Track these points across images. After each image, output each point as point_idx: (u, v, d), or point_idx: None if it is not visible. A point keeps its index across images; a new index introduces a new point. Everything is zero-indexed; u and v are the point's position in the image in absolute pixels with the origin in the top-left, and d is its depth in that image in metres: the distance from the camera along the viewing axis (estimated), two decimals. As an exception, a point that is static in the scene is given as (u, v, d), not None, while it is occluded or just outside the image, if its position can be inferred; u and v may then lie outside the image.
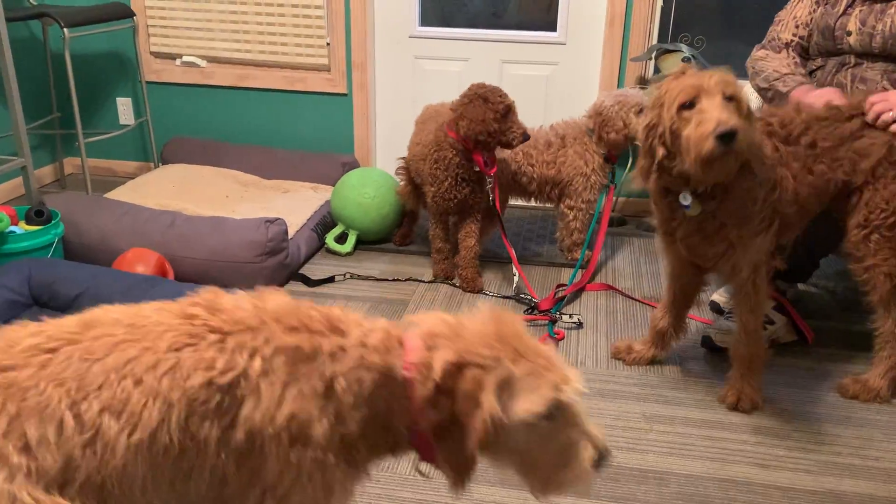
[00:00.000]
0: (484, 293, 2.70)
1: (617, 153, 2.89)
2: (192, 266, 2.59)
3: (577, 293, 2.71)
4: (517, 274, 2.68)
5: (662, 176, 1.85)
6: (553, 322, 2.49)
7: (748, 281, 1.95)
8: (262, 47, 3.55)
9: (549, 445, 1.06)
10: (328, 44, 3.48)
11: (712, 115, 1.67)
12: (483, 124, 2.51)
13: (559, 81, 3.46)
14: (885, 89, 2.18)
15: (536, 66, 3.47)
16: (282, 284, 2.71)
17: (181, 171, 3.42)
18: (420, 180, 2.86)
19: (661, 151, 1.79)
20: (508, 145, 2.60)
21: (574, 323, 2.50)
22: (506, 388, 1.02)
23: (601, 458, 1.08)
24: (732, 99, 1.72)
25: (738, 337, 2.04)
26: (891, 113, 1.95)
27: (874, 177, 1.96)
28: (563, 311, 2.57)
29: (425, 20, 3.53)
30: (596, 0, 3.28)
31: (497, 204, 2.69)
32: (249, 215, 2.84)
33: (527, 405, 1.01)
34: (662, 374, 2.23)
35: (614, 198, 3.10)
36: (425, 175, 2.73)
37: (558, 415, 1.04)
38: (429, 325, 1.08)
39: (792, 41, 2.40)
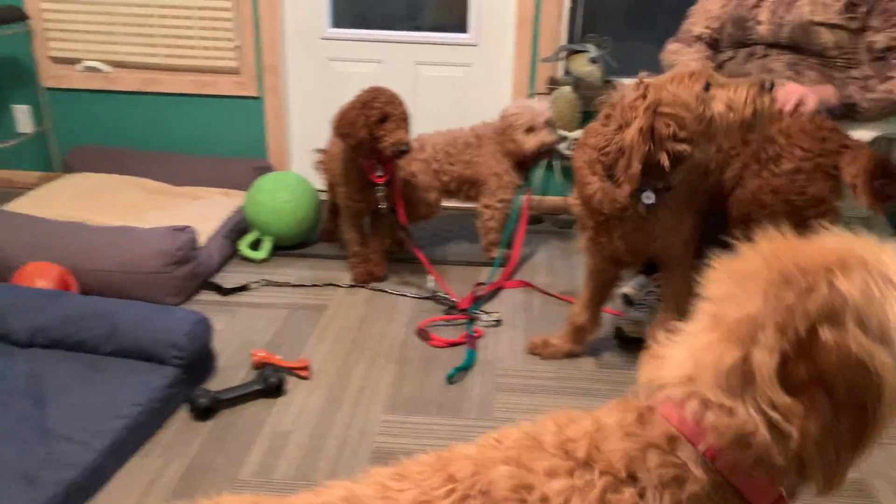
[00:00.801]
0: (405, 295, 2.69)
1: (530, 159, 2.93)
2: (98, 279, 2.49)
3: (495, 291, 2.74)
4: (432, 277, 2.69)
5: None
6: (472, 321, 2.51)
7: (681, 263, 2.02)
8: (169, 51, 3.45)
9: None
10: (237, 46, 3.41)
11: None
12: (352, 128, 2.50)
13: (473, 82, 3.48)
14: (789, 79, 2.28)
15: (450, 67, 3.48)
16: (193, 294, 2.63)
17: (86, 180, 3.28)
18: (334, 181, 2.84)
19: (665, 159, 1.81)
20: (383, 155, 2.55)
21: (493, 321, 2.52)
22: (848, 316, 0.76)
23: None
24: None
25: (664, 318, 2.11)
26: (786, 107, 2.05)
27: (742, 175, 2.05)
28: (482, 309, 2.59)
29: (337, 22, 3.50)
30: (505, 2, 3.32)
31: (400, 211, 2.68)
32: (158, 224, 2.75)
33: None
34: (578, 366, 2.27)
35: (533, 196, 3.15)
36: (337, 177, 2.71)
37: None
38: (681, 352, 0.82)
39: (703, 34, 2.49)
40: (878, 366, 0.74)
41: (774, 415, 0.74)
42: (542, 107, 2.89)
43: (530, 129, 2.84)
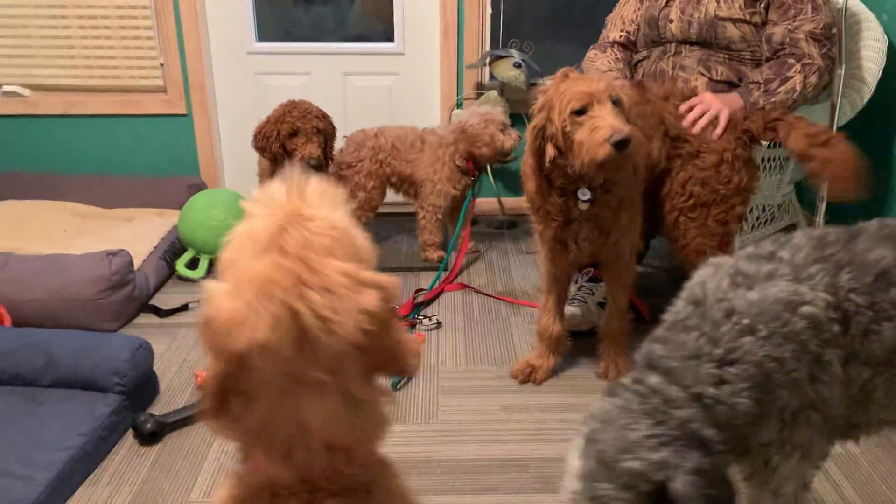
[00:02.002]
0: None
1: (482, 165, 3.03)
2: (31, 309, 2.45)
3: (435, 295, 2.79)
4: None
5: (557, 175, 1.96)
6: (413, 326, 2.56)
7: (627, 262, 2.13)
8: (91, 72, 3.40)
9: None
10: (162, 64, 3.38)
11: (606, 122, 1.79)
12: (266, 142, 2.56)
13: (401, 90, 3.53)
14: (700, 74, 2.40)
15: (378, 76, 3.52)
16: (132, 318, 2.61)
17: (11, 208, 3.20)
18: None
19: (551, 151, 1.90)
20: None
21: (434, 324, 2.58)
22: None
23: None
24: (618, 103, 1.86)
25: (610, 314, 2.22)
26: (704, 119, 2.16)
27: (668, 169, 2.16)
28: (422, 314, 2.65)
29: (262, 35, 3.50)
30: (429, 11, 3.38)
31: None
32: (90, 249, 2.71)
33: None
34: (518, 365, 2.34)
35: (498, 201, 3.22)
36: None
37: None
38: None
39: (619, 38, 2.62)
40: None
41: None
42: (498, 111, 3.00)
43: (504, 128, 2.93)
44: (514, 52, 3.22)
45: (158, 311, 2.64)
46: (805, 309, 1.10)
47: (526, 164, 2.03)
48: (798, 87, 2.26)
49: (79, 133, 3.50)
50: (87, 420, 1.88)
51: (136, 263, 2.70)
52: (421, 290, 2.79)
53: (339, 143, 3.08)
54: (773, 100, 2.27)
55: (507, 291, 2.83)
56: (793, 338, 1.10)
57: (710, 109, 2.18)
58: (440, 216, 3.03)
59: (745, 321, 1.11)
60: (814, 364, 1.11)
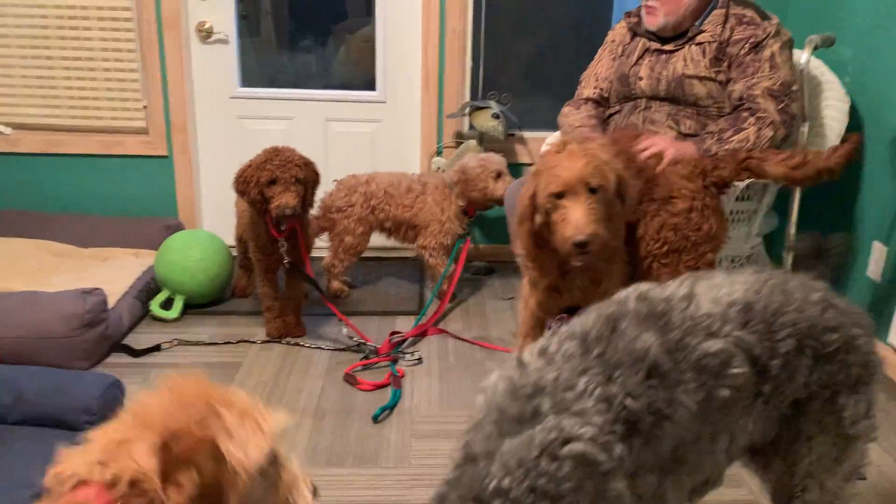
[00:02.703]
0: (320, 347, 2.73)
1: (477, 209, 3.12)
2: (4, 346, 2.41)
3: (410, 339, 2.80)
4: (345, 325, 2.74)
5: (549, 237, 2.02)
6: (395, 361, 2.59)
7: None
8: (74, 112, 3.42)
9: (275, 493, 1.03)
10: (145, 106, 3.42)
11: (573, 219, 1.89)
12: (246, 187, 2.58)
13: (383, 137, 3.60)
14: (670, 127, 2.49)
15: (360, 123, 3.59)
16: (104, 357, 2.59)
17: (-14, 244, 3.18)
18: (246, 237, 2.88)
19: (538, 220, 1.99)
20: (272, 215, 2.60)
21: (416, 360, 2.62)
22: (231, 439, 0.94)
23: (315, 492, 1.11)
24: (596, 190, 1.92)
25: None
26: (650, 150, 2.27)
27: (644, 212, 2.22)
28: (403, 350, 2.69)
29: (246, 81, 3.56)
30: (411, 60, 3.47)
31: (306, 260, 2.75)
32: (65, 287, 2.70)
33: (257, 451, 0.94)
34: (491, 410, 2.35)
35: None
36: (248, 231, 2.76)
37: (275, 459, 1.02)
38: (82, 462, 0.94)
39: (593, 94, 2.72)
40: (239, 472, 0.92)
41: None
42: (499, 158, 3.07)
43: (499, 176, 3.00)
44: (492, 103, 3.30)
45: (131, 351, 2.62)
46: (569, 449, 0.97)
47: (518, 222, 2.07)
48: (752, 138, 2.35)
49: (59, 172, 3.50)
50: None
51: (111, 302, 2.69)
52: (397, 332, 2.80)
53: (328, 187, 3.13)
54: (725, 147, 2.35)
55: (482, 336, 2.85)
56: (563, 482, 0.97)
57: (656, 145, 2.28)
58: (445, 254, 3.11)
59: (506, 482, 0.98)
60: (596, 499, 0.99)
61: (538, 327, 2.25)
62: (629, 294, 1.19)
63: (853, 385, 1.23)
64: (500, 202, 3.03)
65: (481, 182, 3.01)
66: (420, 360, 2.64)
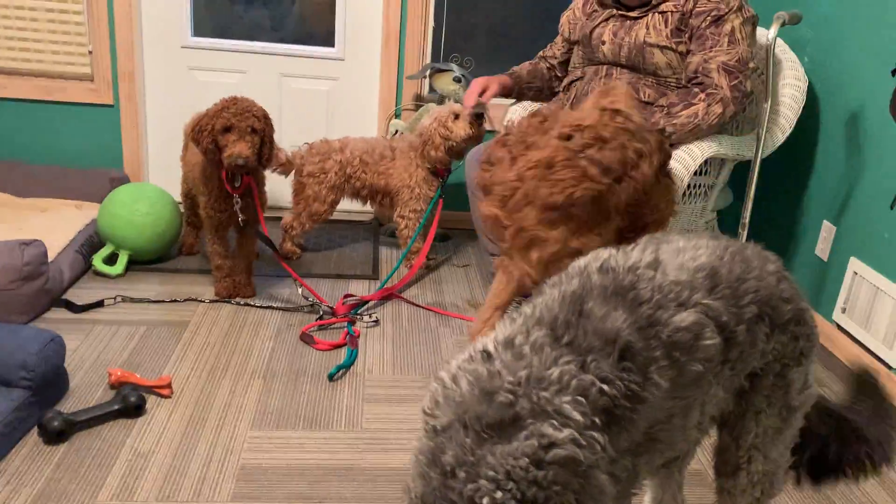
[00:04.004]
0: (271, 307, 2.67)
1: (446, 167, 3.03)
2: (-70, 297, 2.30)
3: (365, 302, 2.76)
4: (300, 285, 2.69)
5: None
6: (352, 323, 2.57)
7: None
8: (13, 54, 3.24)
9: None
10: (90, 52, 3.25)
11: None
12: (200, 136, 2.48)
13: (340, 96, 3.51)
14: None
15: (316, 80, 3.49)
16: (43, 311, 2.48)
17: (-86, 190, 3.01)
18: (194, 192, 2.78)
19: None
20: (225, 168, 2.52)
21: (373, 321, 2.61)
22: None
23: None
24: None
25: None
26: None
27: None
28: (360, 312, 2.67)
29: (198, 30, 3.41)
30: (372, 18, 3.38)
31: (262, 223, 2.68)
32: (3, 238, 2.57)
33: None
34: (445, 376, 2.34)
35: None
36: (197, 186, 2.65)
37: None
38: None
39: (543, 52, 2.87)
40: None
41: None
42: (455, 105, 3.01)
43: (456, 117, 2.93)
44: (454, 66, 3.24)
45: (72, 306, 2.52)
46: (553, 454, 0.95)
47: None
48: (700, 114, 2.36)
49: (-5, 116, 3.32)
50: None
51: (51, 255, 2.57)
52: (350, 294, 2.76)
53: (287, 145, 3.04)
54: (673, 122, 2.36)
55: (437, 303, 2.82)
56: (551, 486, 0.94)
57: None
58: (421, 220, 3.06)
59: (498, 496, 0.93)
60: (581, 493, 0.97)
61: (511, 301, 2.20)
62: (589, 264, 1.15)
63: (798, 357, 1.26)
64: (468, 141, 2.93)
65: (438, 136, 2.93)
66: (377, 321, 2.62)
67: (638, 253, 1.17)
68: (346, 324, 2.57)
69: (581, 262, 1.18)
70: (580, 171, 1.95)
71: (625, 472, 1.06)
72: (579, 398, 0.98)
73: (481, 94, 2.75)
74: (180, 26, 3.35)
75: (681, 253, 1.18)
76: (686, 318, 1.09)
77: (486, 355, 1.03)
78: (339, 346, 2.44)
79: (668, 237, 1.24)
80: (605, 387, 1.00)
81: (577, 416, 0.97)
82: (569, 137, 1.99)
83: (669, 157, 2.15)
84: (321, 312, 2.62)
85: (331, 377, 2.25)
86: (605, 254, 1.18)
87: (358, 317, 2.63)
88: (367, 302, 2.75)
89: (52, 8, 3.18)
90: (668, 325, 1.07)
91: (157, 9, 3.31)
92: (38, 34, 3.22)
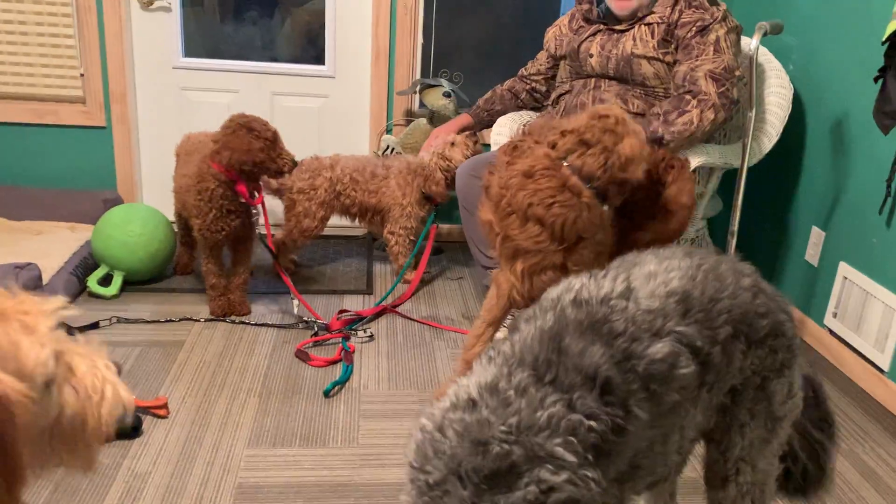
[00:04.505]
0: (265, 324, 2.68)
1: (443, 200, 3.09)
2: (-75, 322, 2.30)
3: (361, 318, 2.77)
4: (297, 301, 2.71)
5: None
6: (347, 338, 2.58)
7: None
8: (5, 78, 3.25)
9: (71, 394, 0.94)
10: (82, 74, 3.27)
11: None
12: (249, 154, 2.51)
13: (331, 114, 3.53)
14: (619, 107, 2.52)
15: (307, 98, 3.51)
16: (38, 334, 2.48)
17: None
18: (186, 213, 2.79)
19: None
20: (280, 173, 2.62)
21: (367, 337, 2.62)
22: None
23: (119, 370, 1.04)
24: None
25: None
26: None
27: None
28: (354, 328, 2.68)
29: (190, 51, 3.44)
30: (361, 36, 3.41)
31: (268, 234, 2.72)
32: (-5, 261, 2.58)
33: (33, 362, 0.85)
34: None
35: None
36: (191, 207, 2.66)
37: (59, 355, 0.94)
38: None
39: (525, 71, 2.92)
40: (10, 394, 0.78)
41: None
42: (454, 136, 3.04)
43: (452, 144, 2.98)
44: (444, 81, 3.27)
45: (67, 328, 2.52)
46: (555, 498, 0.95)
47: (555, 192, 1.98)
48: (695, 120, 2.39)
49: (-13, 141, 3.34)
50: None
51: (45, 278, 2.58)
52: (345, 310, 2.77)
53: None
54: (671, 129, 2.38)
55: (431, 316, 2.84)
56: None
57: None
58: (412, 238, 3.08)
59: None
60: None
61: (505, 316, 2.20)
62: (561, 297, 1.15)
63: (779, 369, 1.26)
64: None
65: (438, 171, 3.00)
66: (371, 336, 2.63)
67: (610, 282, 1.17)
68: (340, 339, 2.58)
69: (553, 292, 1.18)
70: (559, 180, 1.96)
71: (614, 500, 1.07)
72: (570, 438, 0.99)
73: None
74: (171, 47, 3.38)
75: (652, 278, 1.18)
76: (661, 349, 1.09)
77: (472, 403, 1.01)
78: (334, 363, 2.45)
79: (640, 259, 1.24)
80: (592, 423, 1.01)
81: (571, 458, 0.97)
82: (555, 145, 2.02)
83: (666, 159, 2.18)
84: (315, 329, 2.64)
85: (326, 393, 2.26)
86: (577, 284, 1.18)
87: (353, 332, 2.64)
88: (362, 318, 2.76)
89: (42, 32, 3.21)
90: (643, 357, 1.08)
91: (147, 30, 3.34)
92: (30, 58, 3.24)
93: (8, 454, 0.76)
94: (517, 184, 1.97)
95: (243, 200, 2.59)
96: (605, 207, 2.04)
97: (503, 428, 0.98)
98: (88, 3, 3.18)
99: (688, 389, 1.13)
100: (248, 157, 2.51)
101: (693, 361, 1.13)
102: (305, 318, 2.69)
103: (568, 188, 1.95)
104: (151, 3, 3.29)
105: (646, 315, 1.12)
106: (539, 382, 1.03)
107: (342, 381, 2.33)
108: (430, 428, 1.01)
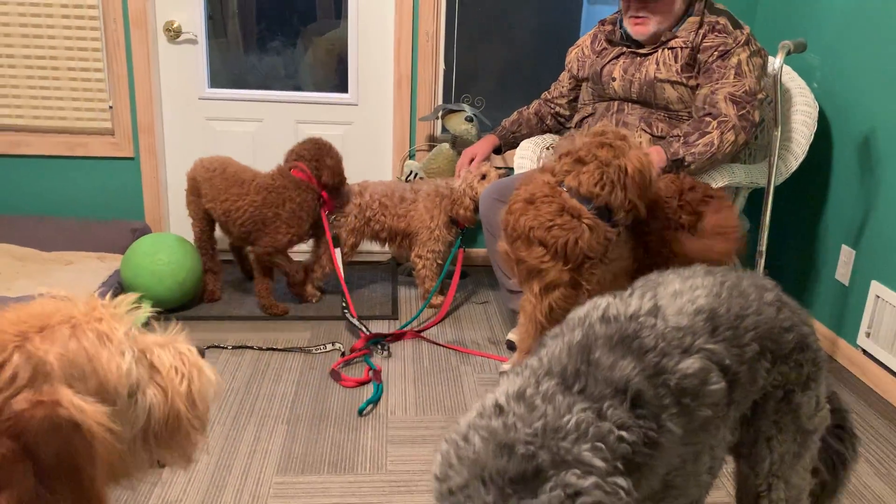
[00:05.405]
0: (292, 349, 2.68)
1: (470, 223, 3.09)
2: (-41, 352, 2.33)
3: (381, 341, 2.77)
4: (347, 308, 2.87)
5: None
6: (370, 355, 2.63)
7: None
8: (37, 112, 3.33)
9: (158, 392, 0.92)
10: (111, 107, 3.34)
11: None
12: (342, 175, 3.01)
13: (354, 140, 3.56)
14: (643, 131, 2.52)
15: (331, 125, 3.55)
16: (69, 363, 2.51)
17: (-57, 248, 3.08)
18: (245, 228, 2.93)
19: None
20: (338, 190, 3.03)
21: (385, 353, 2.69)
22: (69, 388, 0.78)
23: (202, 353, 1.02)
24: None
25: None
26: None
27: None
28: (379, 376, 2.65)
29: (215, 82, 3.50)
30: (384, 63, 3.44)
31: (328, 235, 3.01)
32: (27, 292, 2.62)
33: (115, 375, 0.83)
34: (468, 415, 2.33)
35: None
36: (268, 219, 2.88)
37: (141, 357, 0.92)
38: None
39: (548, 94, 2.96)
40: (92, 423, 0.74)
41: None
42: (485, 166, 3.04)
43: (483, 177, 2.99)
44: (465, 106, 3.29)
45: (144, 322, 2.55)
46: (580, 503, 0.93)
47: (560, 213, 2.01)
48: (716, 142, 2.38)
49: (21, 173, 3.40)
50: None
51: (76, 307, 2.61)
52: (376, 334, 2.77)
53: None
54: (692, 151, 2.38)
55: (457, 341, 2.83)
56: None
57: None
58: (440, 261, 3.10)
59: None
60: None
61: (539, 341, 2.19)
62: (589, 314, 1.15)
63: (805, 382, 1.25)
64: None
65: (468, 198, 2.99)
66: (389, 353, 2.69)
67: (637, 301, 1.16)
68: (364, 357, 2.62)
69: (580, 311, 1.17)
70: (558, 204, 2.00)
71: None
72: (598, 444, 0.97)
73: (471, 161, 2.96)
74: (197, 79, 3.44)
75: (678, 296, 1.17)
76: (692, 364, 1.08)
77: (499, 409, 1.01)
78: (364, 383, 2.47)
79: (663, 278, 1.24)
80: (623, 433, 0.99)
81: (599, 463, 0.95)
82: (554, 170, 2.07)
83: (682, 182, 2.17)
84: (343, 351, 2.68)
85: (361, 412, 2.29)
86: (603, 303, 1.17)
87: (371, 348, 2.68)
88: (386, 335, 2.77)
89: (73, 66, 3.28)
90: (674, 372, 1.07)
91: (174, 63, 3.40)
92: (61, 92, 3.31)
93: (84, 485, 0.73)
94: (519, 209, 2.04)
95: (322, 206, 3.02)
96: (615, 227, 2.05)
97: (528, 431, 0.96)
98: (117, 37, 3.25)
99: (718, 406, 1.11)
100: (342, 178, 2.98)
101: (722, 379, 1.12)
102: (354, 323, 2.81)
103: (567, 211, 1.99)
104: (178, 36, 3.35)
105: (675, 332, 1.11)
106: (567, 391, 1.02)
107: (375, 400, 2.36)
108: (456, 438, 1.00)
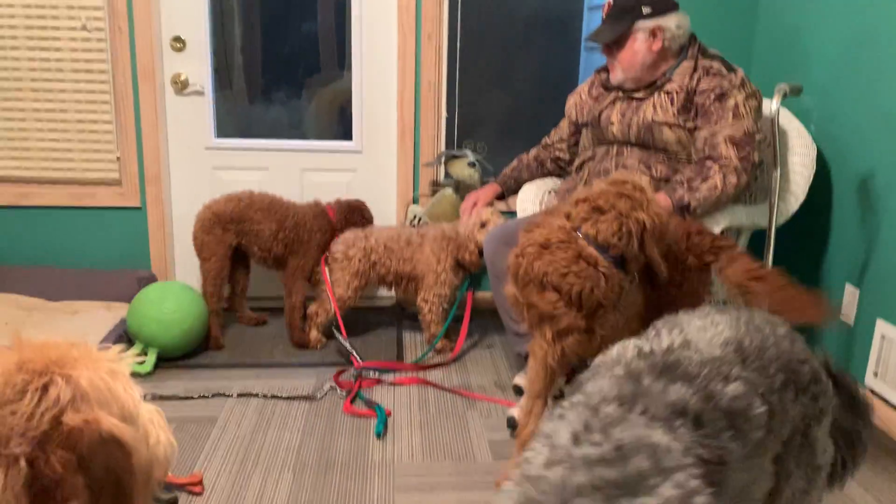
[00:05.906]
0: (297, 397, 2.67)
1: (475, 267, 3.10)
2: (-35, 403, 2.33)
3: (387, 386, 2.76)
4: (343, 339, 2.94)
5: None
6: (360, 387, 2.74)
7: None
8: (46, 164, 3.38)
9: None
10: (118, 158, 3.39)
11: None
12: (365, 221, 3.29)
13: (359, 187, 3.60)
14: (643, 173, 2.55)
15: (336, 173, 3.59)
16: (74, 413, 2.50)
17: (-50, 299, 3.10)
18: (306, 256, 3.13)
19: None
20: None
21: (376, 378, 2.79)
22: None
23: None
24: None
25: None
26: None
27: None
28: (373, 401, 2.65)
29: (221, 131, 3.55)
30: (387, 111, 3.50)
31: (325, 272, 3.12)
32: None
33: (133, 404, 0.95)
34: (475, 460, 2.31)
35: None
36: (311, 248, 3.14)
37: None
38: None
39: (548, 140, 3.00)
40: (129, 440, 0.83)
41: None
42: (487, 211, 3.05)
43: (483, 226, 3.01)
44: (468, 152, 3.34)
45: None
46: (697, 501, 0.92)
47: (577, 259, 1.97)
48: (719, 185, 2.41)
49: (28, 224, 3.44)
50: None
51: (82, 357, 2.61)
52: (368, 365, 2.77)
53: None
54: (697, 195, 2.40)
55: (463, 385, 2.82)
56: None
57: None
58: (446, 305, 3.10)
59: None
60: None
61: (551, 385, 2.15)
62: (622, 354, 1.14)
63: (818, 415, 1.25)
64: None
65: (472, 243, 3.01)
66: (379, 379, 2.80)
67: (667, 337, 1.18)
68: (357, 394, 2.68)
69: (610, 354, 1.17)
70: (574, 251, 1.96)
71: None
72: (689, 457, 0.95)
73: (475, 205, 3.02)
74: (204, 129, 3.49)
75: (704, 330, 1.19)
76: (737, 388, 1.10)
77: (575, 438, 0.96)
78: (367, 414, 2.55)
79: (682, 318, 1.25)
80: (700, 450, 0.98)
81: (696, 471, 0.93)
82: (569, 215, 2.03)
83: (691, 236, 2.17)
84: (332, 385, 2.77)
85: (378, 434, 2.39)
86: (631, 343, 1.18)
87: (365, 370, 2.81)
88: (387, 384, 2.77)
89: (82, 119, 3.34)
90: (723, 395, 1.08)
91: (181, 114, 3.46)
92: (70, 143, 3.37)
93: (126, 499, 0.79)
94: (533, 253, 1.98)
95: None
96: (627, 275, 2.04)
97: (614, 445, 0.92)
98: (125, 89, 3.32)
99: (764, 430, 1.11)
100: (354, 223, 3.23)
101: (764, 404, 1.12)
102: (347, 349, 2.93)
103: (584, 258, 1.95)
104: (185, 88, 3.42)
105: (712, 362, 1.12)
106: (630, 412, 0.99)
107: (384, 420, 2.49)
108: (524, 482, 0.92)
